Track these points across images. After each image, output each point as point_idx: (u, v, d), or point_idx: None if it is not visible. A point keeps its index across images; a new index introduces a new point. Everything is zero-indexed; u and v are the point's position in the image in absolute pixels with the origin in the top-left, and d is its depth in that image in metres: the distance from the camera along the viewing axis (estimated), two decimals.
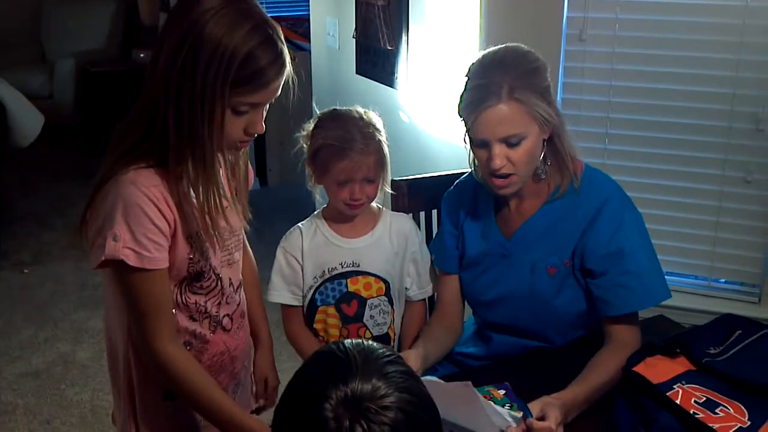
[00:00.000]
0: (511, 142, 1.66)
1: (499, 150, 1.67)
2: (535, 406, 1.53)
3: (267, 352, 1.88)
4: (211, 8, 1.38)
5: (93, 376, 3.27)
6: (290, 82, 1.49)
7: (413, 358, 1.66)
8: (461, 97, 1.71)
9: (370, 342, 1.13)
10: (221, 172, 1.59)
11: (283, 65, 1.44)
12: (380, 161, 1.81)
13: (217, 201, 1.48)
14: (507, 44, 1.73)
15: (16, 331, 3.64)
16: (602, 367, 1.67)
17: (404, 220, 1.97)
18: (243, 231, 1.72)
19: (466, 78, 1.72)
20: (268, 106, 1.50)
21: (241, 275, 1.72)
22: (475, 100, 1.66)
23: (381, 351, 1.11)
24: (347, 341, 1.12)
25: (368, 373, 1.05)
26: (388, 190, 1.92)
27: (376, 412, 1.01)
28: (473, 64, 1.72)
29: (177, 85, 1.40)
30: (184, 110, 1.41)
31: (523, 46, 1.73)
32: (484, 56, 1.72)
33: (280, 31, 1.45)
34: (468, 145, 1.76)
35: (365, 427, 1.00)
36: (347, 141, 1.77)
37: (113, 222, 1.42)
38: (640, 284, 1.72)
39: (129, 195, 1.42)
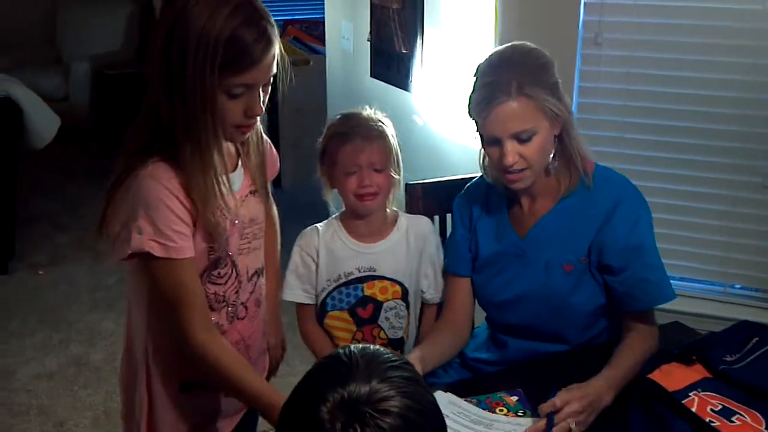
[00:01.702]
0: (522, 138, 1.67)
1: (510, 146, 1.67)
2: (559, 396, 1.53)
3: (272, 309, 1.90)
4: None
5: (106, 378, 3.27)
6: (282, 64, 1.51)
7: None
8: (470, 97, 1.73)
9: (378, 347, 1.12)
10: (241, 162, 1.63)
11: (269, 42, 1.44)
12: (386, 149, 1.83)
13: (216, 189, 1.49)
14: (513, 43, 1.75)
15: (30, 332, 3.65)
16: (630, 348, 1.69)
17: (422, 223, 1.98)
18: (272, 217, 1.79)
19: (475, 78, 1.73)
20: (268, 89, 1.52)
21: (260, 263, 1.73)
22: (485, 98, 1.67)
23: (387, 356, 1.09)
24: (354, 346, 1.11)
25: (368, 376, 1.04)
26: (401, 189, 1.92)
27: (372, 416, 1.00)
28: (481, 63, 1.74)
29: (170, 78, 1.42)
30: (179, 102, 1.43)
31: (528, 43, 1.75)
32: (491, 55, 1.74)
33: (265, 11, 1.46)
34: (479, 145, 1.77)
35: (359, 431, 0.99)
36: (350, 128, 1.82)
37: (136, 216, 1.45)
38: (660, 278, 1.75)
39: (149, 188, 1.45)
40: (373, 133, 1.81)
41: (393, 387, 1.03)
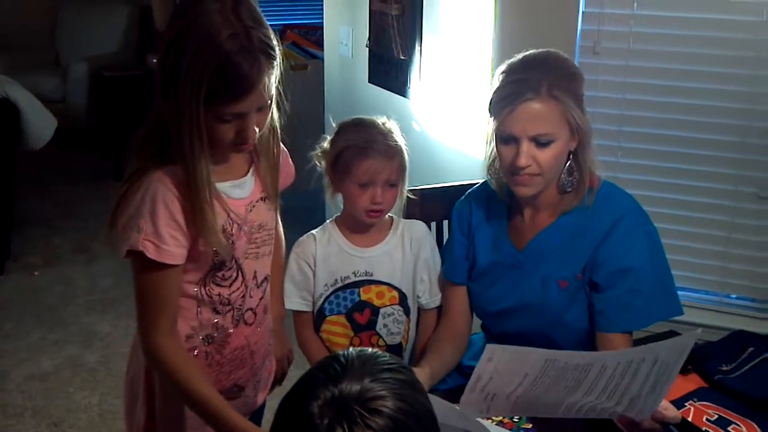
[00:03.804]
0: (540, 141, 1.66)
1: (527, 148, 1.66)
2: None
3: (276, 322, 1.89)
4: (201, 13, 1.39)
5: (101, 380, 3.27)
6: (281, 91, 1.50)
7: (421, 379, 1.64)
8: (493, 93, 1.71)
9: (377, 351, 1.12)
10: (253, 168, 1.64)
11: (260, 72, 1.42)
12: (402, 165, 1.83)
13: (202, 201, 1.48)
14: (549, 49, 1.74)
15: (26, 333, 3.65)
16: None
17: (418, 227, 1.97)
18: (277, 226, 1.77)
19: (502, 74, 1.71)
20: (266, 111, 1.51)
21: (268, 270, 1.73)
22: (512, 94, 1.66)
23: (384, 359, 1.09)
24: (353, 348, 1.11)
25: (361, 375, 1.04)
26: (409, 194, 1.92)
27: (361, 415, 1.00)
28: (513, 61, 1.72)
29: (166, 93, 1.43)
30: (172, 118, 1.44)
31: (563, 53, 1.74)
32: (525, 55, 1.72)
33: (265, 41, 1.43)
34: (492, 144, 1.75)
35: (345, 429, 0.99)
36: (370, 142, 1.80)
37: (140, 215, 1.47)
38: (643, 304, 1.71)
39: (156, 191, 1.47)
40: (392, 151, 1.81)
41: (386, 388, 1.03)
